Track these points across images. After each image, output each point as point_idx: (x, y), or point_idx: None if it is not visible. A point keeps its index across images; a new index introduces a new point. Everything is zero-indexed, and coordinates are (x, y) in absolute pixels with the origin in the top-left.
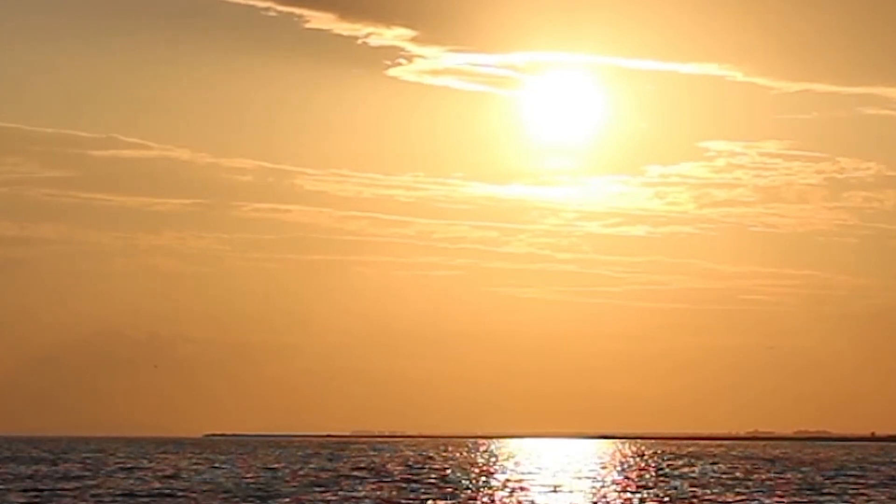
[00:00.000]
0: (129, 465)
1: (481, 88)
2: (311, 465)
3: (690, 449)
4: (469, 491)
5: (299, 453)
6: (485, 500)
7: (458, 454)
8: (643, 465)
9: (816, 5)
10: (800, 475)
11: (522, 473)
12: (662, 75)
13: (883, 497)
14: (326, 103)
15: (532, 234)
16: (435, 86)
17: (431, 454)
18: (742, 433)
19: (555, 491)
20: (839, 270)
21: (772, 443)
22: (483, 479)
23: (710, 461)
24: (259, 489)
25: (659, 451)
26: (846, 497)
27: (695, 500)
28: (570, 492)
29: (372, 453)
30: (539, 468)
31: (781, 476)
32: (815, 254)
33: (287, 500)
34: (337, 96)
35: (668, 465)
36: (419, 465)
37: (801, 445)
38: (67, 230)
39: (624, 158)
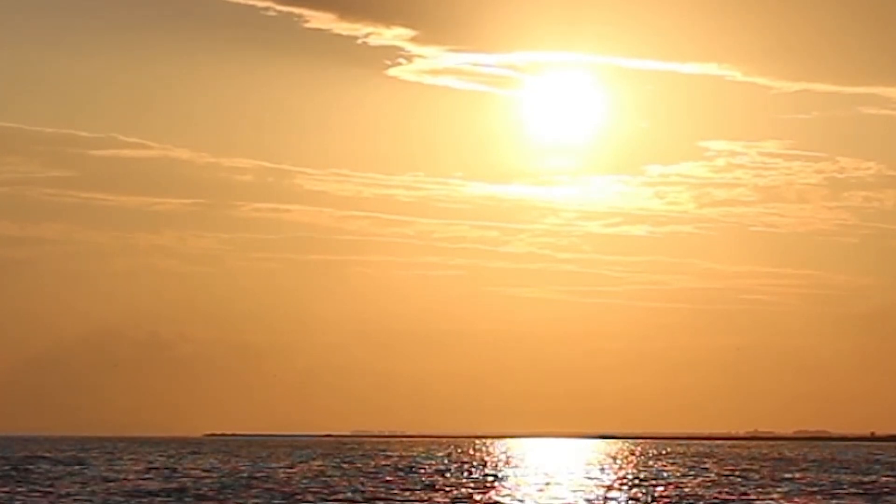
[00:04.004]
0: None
1: (481, 88)
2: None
3: (691, 448)
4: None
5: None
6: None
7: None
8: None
9: (816, 5)
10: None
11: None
12: (662, 75)
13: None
14: (326, 103)
15: (532, 234)
16: (435, 86)
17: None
18: (742, 433)
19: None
20: (839, 270)
21: (772, 443)
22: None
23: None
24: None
25: (663, 452)
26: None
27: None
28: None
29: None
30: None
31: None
32: (815, 254)
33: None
34: (337, 96)
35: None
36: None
37: (801, 445)
38: (67, 230)
39: (624, 158)
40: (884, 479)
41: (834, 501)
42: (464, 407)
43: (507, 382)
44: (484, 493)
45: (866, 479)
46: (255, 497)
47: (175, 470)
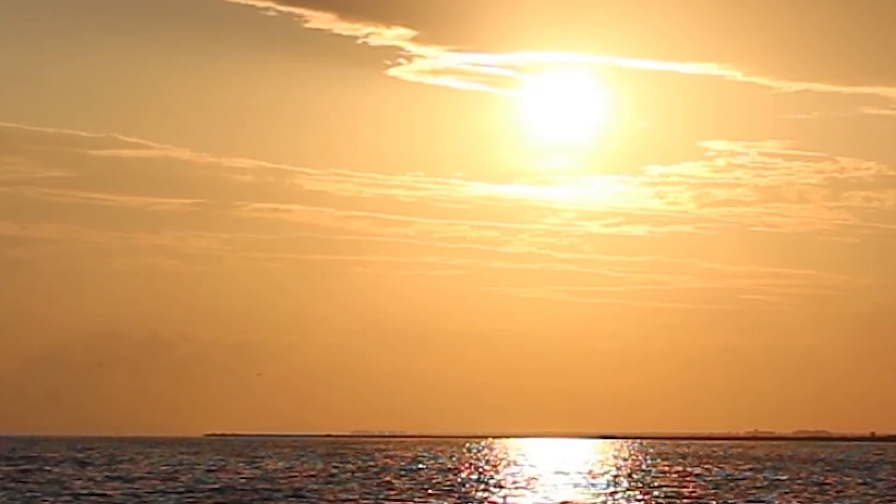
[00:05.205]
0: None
1: (481, 88)
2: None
3: (692, 448)
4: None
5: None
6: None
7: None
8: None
9: (816, 5)
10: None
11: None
12: (662, 75)
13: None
14: (326, 103)
15: (532, 234)
16: (435, 86)
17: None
18: (742, 433)
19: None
20: (839, 270)
21: (772, 443)
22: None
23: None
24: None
25: (662, 451)
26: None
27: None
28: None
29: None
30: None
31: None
32: (815, 254)
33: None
34: (337, 96)
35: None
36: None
37: (801, 445)
38: (67, 230)
39: (624, 158)
40: (884, 478)
41: (836, 501)
42: (464, 407)
43: (507, 382)
44: (485, 492)
45: (869, 478)
46: (257, 497)
47: (175, 470)
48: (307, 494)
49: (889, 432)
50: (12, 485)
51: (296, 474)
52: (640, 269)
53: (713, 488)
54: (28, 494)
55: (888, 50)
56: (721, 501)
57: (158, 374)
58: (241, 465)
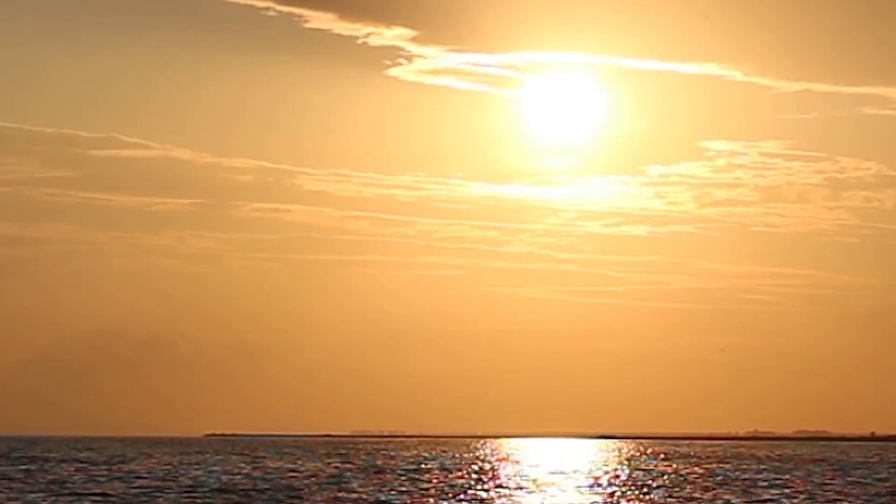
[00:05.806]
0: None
1: (481, 88)
2: None
3: (692, 448)
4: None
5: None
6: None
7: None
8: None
9: (816, 5)
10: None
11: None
12: (662, 75)
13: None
14: (326, 103)
15: (532, 234)
16: (435, 86)
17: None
18: (742, 433)
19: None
20: (839, 270)
21: (772, 443)
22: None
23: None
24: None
25: (662, 451)
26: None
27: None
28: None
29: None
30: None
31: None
32: (815, 254)
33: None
34: (337, 96)
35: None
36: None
37: (801, 445)
38: (67, 230)
39: (624, 158)
40: (885, 478)
41: (836, 501)
42: (464, 407)
43: (507, 382)
44: (485, 492)
45: (869, 478)
46: (257, 497)
47: (176, 470)
48: (307, 494)
49: (889, 432)
50: (12, 485)
51: (296, 474)
52: (640, 269)
53: (713, 488)
54: (29, 494)
55: (888, 50)
56: (721, 501)
57: (158, 374)
58: (241, 464)
